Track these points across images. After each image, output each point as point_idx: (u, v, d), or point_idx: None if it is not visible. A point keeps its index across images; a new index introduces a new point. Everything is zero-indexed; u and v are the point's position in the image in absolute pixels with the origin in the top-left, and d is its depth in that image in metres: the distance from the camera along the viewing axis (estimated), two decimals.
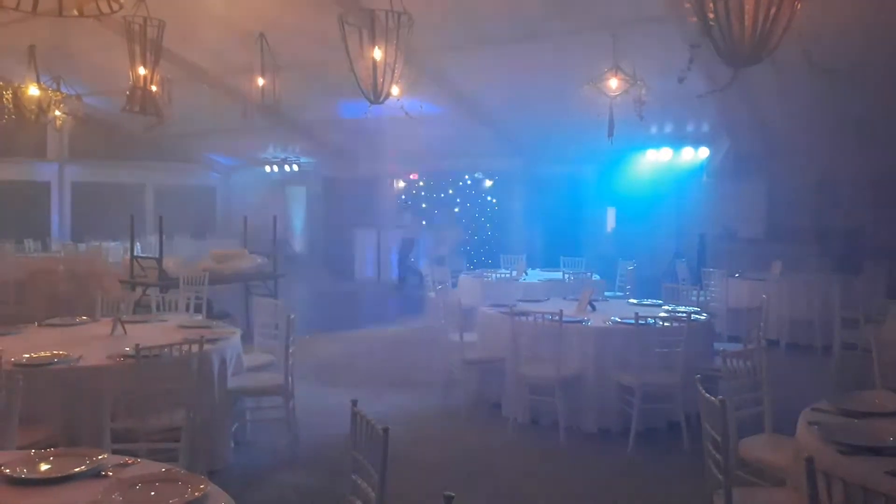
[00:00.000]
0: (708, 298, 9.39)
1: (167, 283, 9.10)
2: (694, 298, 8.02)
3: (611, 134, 9.05)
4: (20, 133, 12.49)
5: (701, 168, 13.80)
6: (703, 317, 6.60)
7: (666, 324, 6.06)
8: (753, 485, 3.98)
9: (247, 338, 6.25)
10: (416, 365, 8.54)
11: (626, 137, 10.04)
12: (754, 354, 4.52)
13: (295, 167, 18.88)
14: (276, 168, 19.01)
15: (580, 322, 6.21)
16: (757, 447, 4.10)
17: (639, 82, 8.75)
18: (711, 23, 4.45)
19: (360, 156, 18.01)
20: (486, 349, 6.68)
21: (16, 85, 10.87)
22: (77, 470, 2.67)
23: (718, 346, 6.62)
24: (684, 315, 6.22)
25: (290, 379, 5.47)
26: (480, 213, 16.74)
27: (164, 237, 9.98)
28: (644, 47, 9.19)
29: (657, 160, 14.09)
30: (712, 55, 4.64)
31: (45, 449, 3.10)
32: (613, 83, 8.78)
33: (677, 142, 13.63)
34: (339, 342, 10.14)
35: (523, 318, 5.97)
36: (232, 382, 5.29)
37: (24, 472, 2.66)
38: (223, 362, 5.17)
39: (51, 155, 18.49)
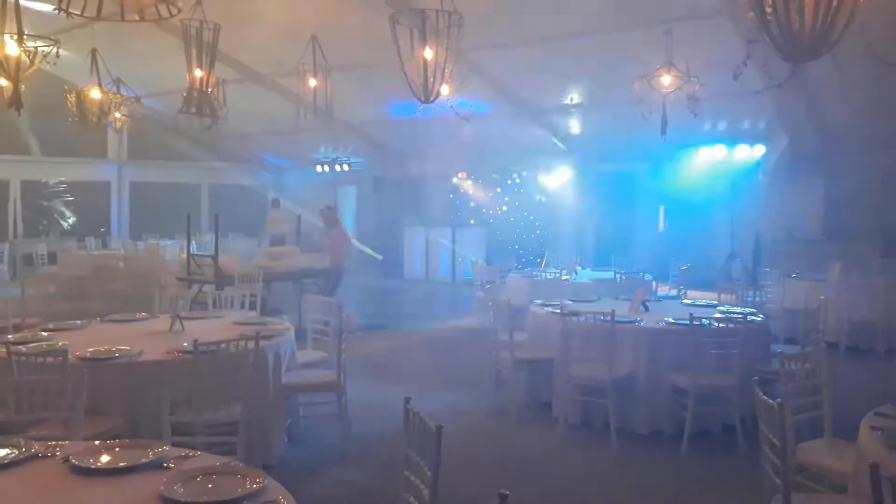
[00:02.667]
0: (764, 299, 9.18)
1: (223, 280, 9.30)
2: (749, 299, 7.87)
3: (664, 131, 8.91)
4: (82, 134, 12.89)
5: (757, 166, 13.49)
6: (759, 318, 6.46)
7: (721, 325, 5.95)
8: (812, 490, 3.89)
9: (299, 334, 6.35)
10: (466, 363, 8.55)
11: (680, 135, 9.87)
12: (813, 357, 4.41)
13: (346, 167, 19.07)
14: (327, 168, 19.24)
15: (633, 322, 6.14)
16: (816, 452, 4.00)
17: (692, 78, 8.59)
18: (769, 17, 4.35)
19: (410, 155, 18.11)
20: (537, 349, 6.66)
21: (78, 88, 11.22)
22: (142, 461, 2.76)
23: (775, 347, 6.48)
24: (740, 316, 6.10)
25: (342, 375, 5.54)
26: (530, 211, 16.67)
27: (219, 235, 10.19)
28: (698, 43, 9.03)
29: (711, 158, 13.82)
30: (769, 50, 4.53)
31: (108, 440, 3.20)
32: (666, 80, 8.63)
33: (732, 139, 13.35)
34: (389, 339, 10.22)
35: (574, 318, 5.93)
36: (286, 378, 5.38)
37: (90, 463, 2.76)
38: (278, 358, 5.27)
39: (111, 155, 19.06)
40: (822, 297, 7.12)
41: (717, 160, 13.79)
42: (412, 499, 2.89)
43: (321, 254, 11.19)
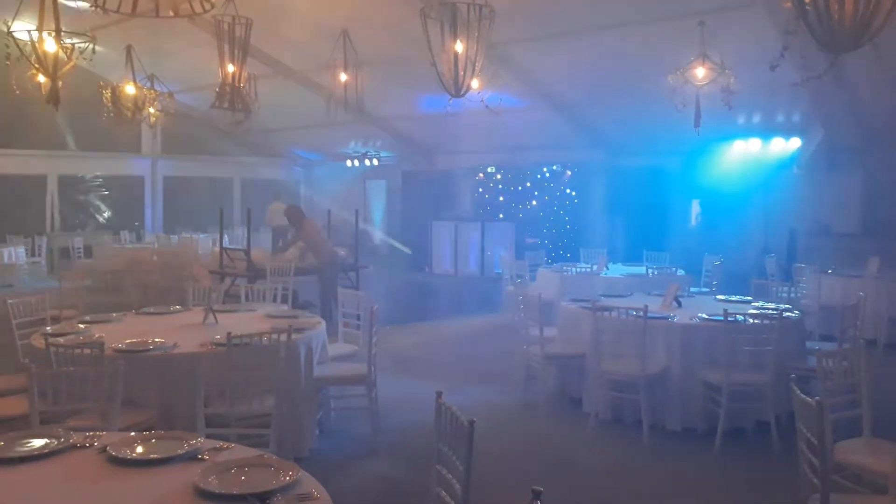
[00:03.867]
0: (799, 295, 9.03)
1: (255, 273, 9.38)
2: (784, 295, 7.74)
3: (697, 124, 8.78)
4: (117, 130, 13.09)
5: (792, 159, 13.25)
6: (794, 314, 6.36)
7: (756, 321, 5.86)
8: (851, 491, 3.81)
9: (329, 328, 6.38)
10: (495, 358, 8.54)
11: (713, 128, 9.74)
12: (851, 354, 4.33)
13: (375, 161, 19.16)
14: (356, 162, 19.34)
15: (666, 318, 6.07)
16: (855, 451, 3.93)
17: (727, 71, 8.45)
18: (808, 7, 4.26)
19: (439, 149, 18.11)
20: (567, 344, 6.62)
21: (114, 84, 11.40)
22: (177, 453, 2.79)
23: (811, 345, 6.37)
24: (775, 312, 6.01)
25: (373, 369, 5.56)
26: (559, 205, 16.57)
27: (251, 229, 10.28)
28: (733, 34, 8.88)
29: (745, 151, 13.60)
30: (807, 41, 4.44)
31: (144, 431, 3.25)
32: (700, 72, 8.50)
33: (767, 132, 13.11)
34: (418, 334, 10.24)
35: (606, 314, 5.88)
36: (317, 371, 5.41)
37: (127, 453, 2.80)
38: (309, 351, 5.30)
39: (145, 150, 19.32)
40: (861, 294, 6.98)
41: (750, 154, 13.57)
42: (443, 493, 2.89)
43: (302, 258, 10.24)
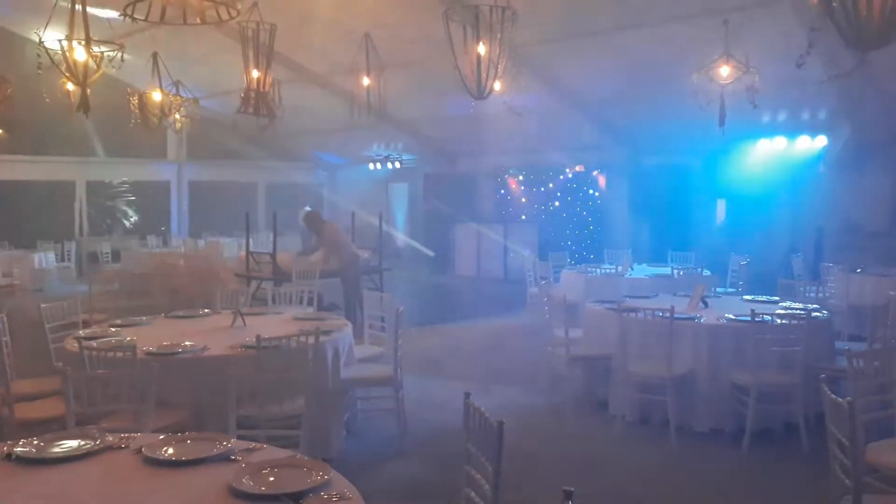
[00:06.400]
0: (827, 295, 8.93)
1: (281, 276, 9.46)
2: (812, 295, 7.66)
3: (722, 123, 8.73)
4: (143, 136, 13.28)
5: (818, 157, 13.09)
6: (822, 314, 6.29)
7: (783, 321, 5.81)
8: (883, 492, 3.77)
9: (354, 330, 6.42)
10: (520, 360, 8.54)
11: (738, 126, 9.67)
12: (883, 354, 4.28)
13: (397, 164, 19.23)
14: (379, 165, 19.43)
15: (692, 319, 6.04)
16: (887, 453, 3.88)
17: (752, 69, 8.40)
18: (834, 3, 4.23)
19: (461, 152, 18.14)
20: (593, 346, 6.61)
21: (141, 91, 11.57)
22: (211, 453, 2.84)
23: (840, 345, 6.30)
24: (803, 312, 5.95)
25: (399, 370, 5.60)
26: (582, 206, 16.51)
27: (276, 233, 10.37)
28: (757, 32, 8.82)
29: (770, 150, 13.47)
30: (832, 38, 4.41)
31: (175, 432, 3.30)
32: (724, 71, 8.46)
33: (793, 130, 12.98)
34: (442, 335, 10.26)
35: (632, 315, 5.87)
36: (344, 373, 5.45)
37: (162, 454, 2.85)
38: (336, 353, 5.34)
39: (170, 156, 19.58)
40: (892, 293, 6.89)
41: (776, 152, 13.44)
42: (472, 493, 2.91)
43: (326, 261, 10.05)
